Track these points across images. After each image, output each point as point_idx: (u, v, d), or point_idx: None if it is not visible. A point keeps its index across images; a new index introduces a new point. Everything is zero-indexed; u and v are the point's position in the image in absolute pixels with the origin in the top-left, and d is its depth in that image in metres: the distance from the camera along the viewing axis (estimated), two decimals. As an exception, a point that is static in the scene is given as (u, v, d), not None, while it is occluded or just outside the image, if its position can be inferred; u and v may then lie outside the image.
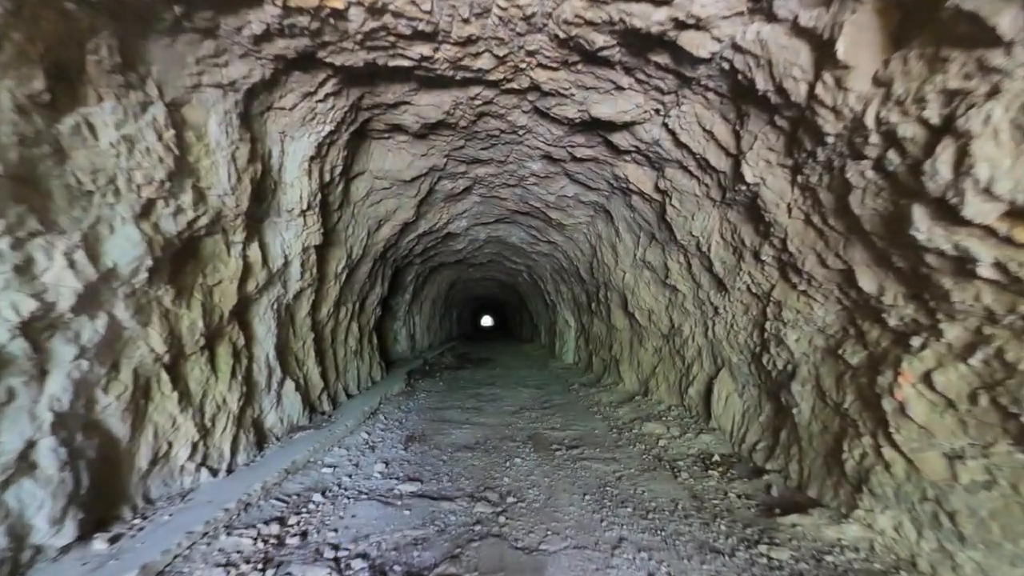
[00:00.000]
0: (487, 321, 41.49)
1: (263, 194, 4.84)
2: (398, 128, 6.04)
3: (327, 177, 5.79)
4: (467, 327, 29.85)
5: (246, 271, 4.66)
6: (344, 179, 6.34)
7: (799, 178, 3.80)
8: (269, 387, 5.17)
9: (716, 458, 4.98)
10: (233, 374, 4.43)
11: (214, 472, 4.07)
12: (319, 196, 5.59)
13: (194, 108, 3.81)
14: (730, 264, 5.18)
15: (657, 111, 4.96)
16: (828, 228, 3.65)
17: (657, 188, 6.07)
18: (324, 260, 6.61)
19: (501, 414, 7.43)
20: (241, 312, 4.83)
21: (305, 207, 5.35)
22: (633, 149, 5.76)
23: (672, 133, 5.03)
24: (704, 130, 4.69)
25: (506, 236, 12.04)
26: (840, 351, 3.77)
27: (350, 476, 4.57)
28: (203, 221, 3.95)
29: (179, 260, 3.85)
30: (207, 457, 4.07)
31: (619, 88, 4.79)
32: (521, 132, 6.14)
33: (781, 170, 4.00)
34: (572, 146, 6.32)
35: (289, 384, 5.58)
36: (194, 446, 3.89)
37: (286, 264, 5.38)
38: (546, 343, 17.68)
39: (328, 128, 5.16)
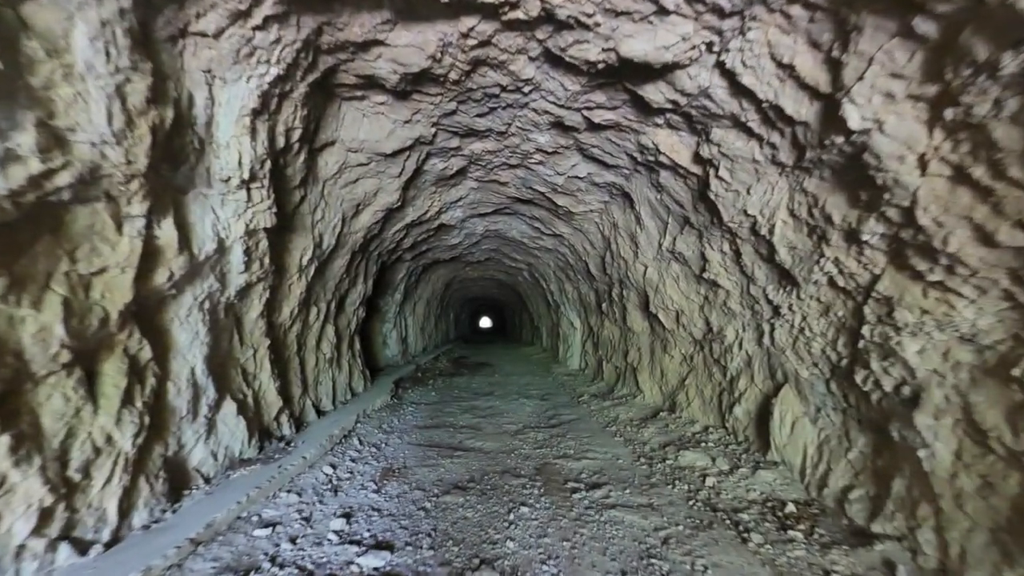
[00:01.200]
0: (485, 323, 40.16)
1: (180, 154, 3.51)
2: (372, 83, 4.73)
3: (281, 142, 4.47)
4: (464, 329, 28.53)
5: (152, 257, 3.33)
6: (307, 148, 5.02)
7: (949, 114, 2.50)
8: (195, 412, 3.84)
9: (791, 508, 3.66)
10: (127, 400, 3.10)
11: (85, 547, 2.74)
12: (269, 165, 4.27)
13: (43, 6, 2.49)
14: (803, 249, 3.88)
15: (710, 46, 3.65)
16: (1007, 185, 2.35)
17: (697, 158, 4.77)
18: (282, 249, 5.29)
19: (501, 435, 6.10)
20: (147, 314, 3.50)
21: (247, 177, 4.02)
22: (669, 107, 4.45)
23: (729, 75, 3.72)
24: (779, 65, 3.38)
25: (506, 230, 10.73)
26: (1015, 371, 2.46)
27: (294, 542, 3.23)
28: (63, 179, 2.62)
29: (16, 236, 2.53)
30: (72, 526, 2.74)
31: (661, 12, 3.47)
32: (527, 89, 4.83)
33: (912, 105, 2.69)
34: (589, 107, 5.01)
35: (229, 406, 4.25)
36: (44, 513, 2.56)
37: (222, 250, 4.05)
38: (548, 346, 16.36)
39: (275, 71, 3.84)
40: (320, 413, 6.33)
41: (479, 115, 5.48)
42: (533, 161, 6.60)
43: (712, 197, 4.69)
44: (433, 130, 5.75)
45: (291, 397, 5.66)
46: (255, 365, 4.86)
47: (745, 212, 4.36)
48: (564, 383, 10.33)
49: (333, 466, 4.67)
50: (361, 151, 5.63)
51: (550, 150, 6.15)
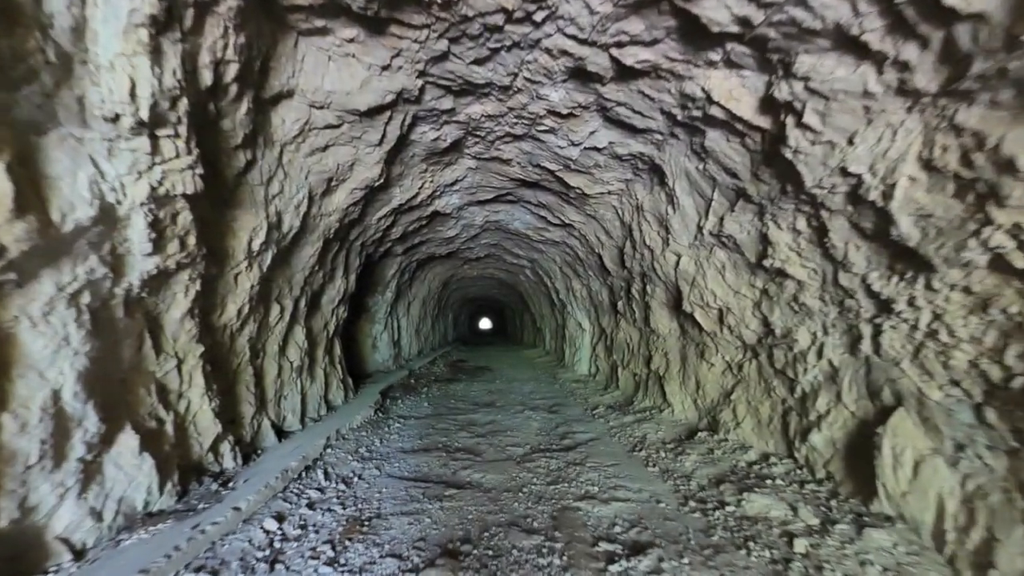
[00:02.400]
0: (485, 324, 38.90)
1: (16, 66, 2.27)
2: (336, 6, 3.48)
3: (207, 78, 3.22)
4: (464, 330, 27.28)
5: (-42, 220, 2.09)
6: (252, 96, 3.76)
7: None
8: (58, 456, 2.58)
9: (944, 602, 2.42)
10: None
11: None
12: (187, 107, 3.02)
13: None
14: (945, 218, 2.63)
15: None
16: None
17: (766, 105, 3.52)
18: (222, 228, 4.03)
19: (505, 462, 4.85)
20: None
21: (149, 118, 2.77)
22: (735, 30, 3.21)
23: (845, -42, 2.49)
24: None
25: (508, 220, 9.48)
26: None
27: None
28: None
29: None
30: None
31: None
32: (539, 17, 3.58)
33: None
34: (620, 43, 3.76)
35: (126, 441, 2.98)
36: None
37: (111, 220, 2.80)
38: (552, 349, 15.10)
39: (182, -40, 2.60)
40: (283, 435, 5.07)
41: (477, 61, 4.23)
42: (543, 128, 5.35)
43: (788, 156, 3.44)
44: (419, 82, 4.50)
45: (239, 418, 4.40)
46: (180, 380, 3.59)
47: (843, 171, 3.11)
48: (573, 391, 9.07)
49: (279, 517, 3.40)
50: (328, 107, 4.38)
51: (564, 111, 4.90)
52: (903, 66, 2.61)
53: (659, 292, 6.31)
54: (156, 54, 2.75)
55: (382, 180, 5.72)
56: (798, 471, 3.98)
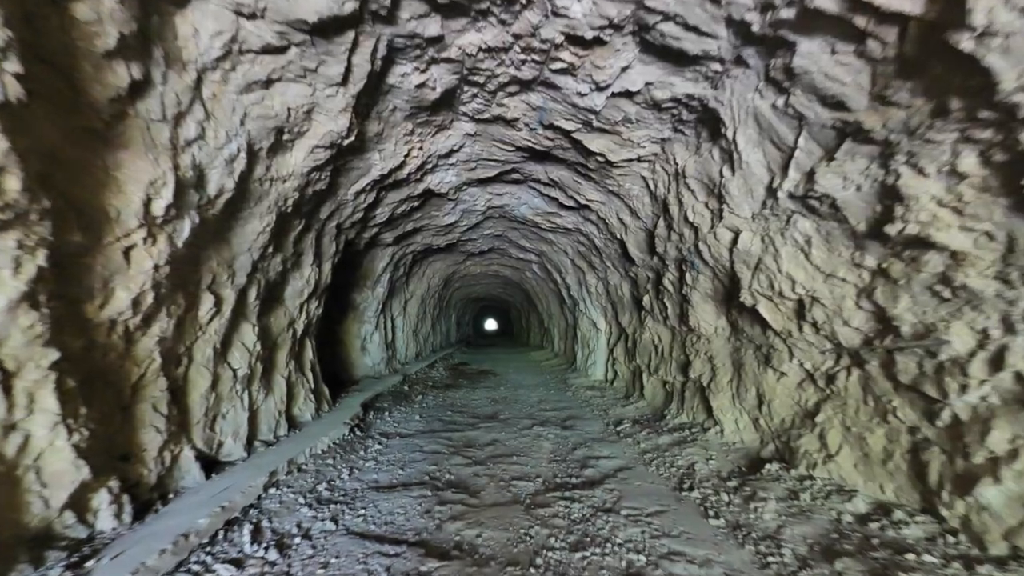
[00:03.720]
0: (490, 325, 37.59)
1: None
2: None
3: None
4: (467, 331, 25.98)
5: None
6: (132, -23, 2.47)
7: None
8: None
9: None
10: None
11: None
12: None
13: None
14: None
15: None
16: None
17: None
18: (94, 175, 2.71)
19: (509, 509, 3.49)
20: None
21: None
22: None
23: None
24: None
25: (513, 206, 8.16)
26: None
27: None
28: None
29: None
30: None
31: None
32: None
33: None
34: None
35: None
36: None
37: None
38: (561, 351, 13.75)
39: None
40: (216, 468, 3.75)
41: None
42: (558, 67, 4.01)
43: (966, 46, 2.08)
44: (391, -17, 3.19)
45: (138, 452, 3.07)
46: (8, 404, 2.29)
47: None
48: (589, 400, 7.71)
49: (147, 629, 2.09)
50: (262, 16, 3.06)
51: (589, 35, 3.55)
52: None
53: (703, 282, 4.94)
54: None
55: (353, 138, 4.40)
56: (951, 538, 2.60)
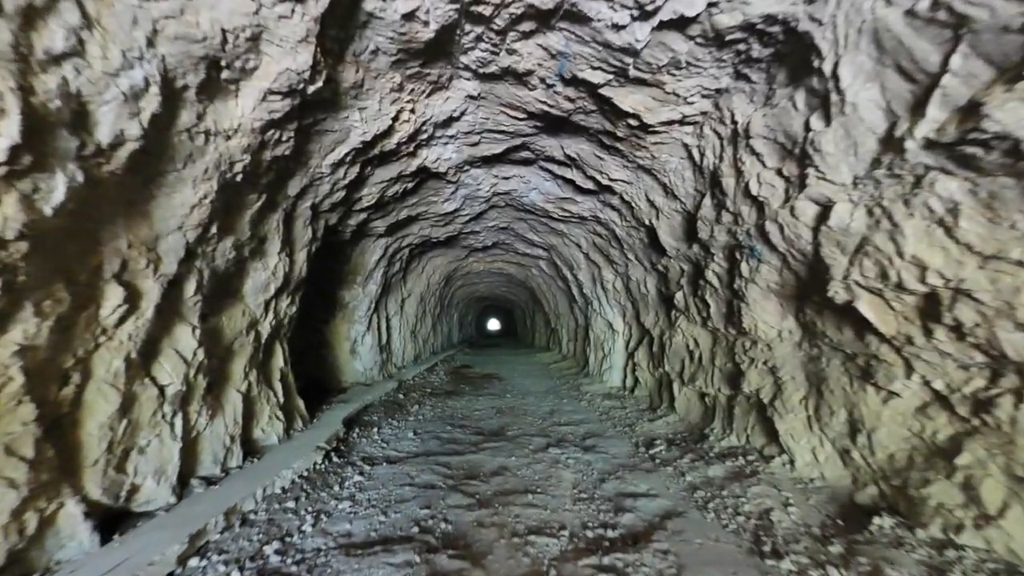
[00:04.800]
0: (494, 324, 36.53)
1: None
2: None
3: None
4: (470, 332, 24.94)
5: None
6: None
7: None
8: None
9: None
10: None
11: None
12: None
13: None
14: None
15: None
16: None
17: None
18: None
19: (530, 586, 2.45)
20: None
21: None
22: None
23: None
24: None
25: (522, 191, 7.10)
26: None
27: None
28: None
29: None
30: None
31: None
32: None
33: None
34: None
35: None
36: None
37: None
38: (570, 353, 12.67)
39: None
40: (121, 522, 2.70)
41: None
42: (591, -16, 2.95)
43: None
44: None
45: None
46: None
47: None
48: (608, 412, 6.63)
49: None
50: None
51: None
52: None
53: (765, 273, 3.86)
54: None
55: (321, 84, 3.34)
56: None
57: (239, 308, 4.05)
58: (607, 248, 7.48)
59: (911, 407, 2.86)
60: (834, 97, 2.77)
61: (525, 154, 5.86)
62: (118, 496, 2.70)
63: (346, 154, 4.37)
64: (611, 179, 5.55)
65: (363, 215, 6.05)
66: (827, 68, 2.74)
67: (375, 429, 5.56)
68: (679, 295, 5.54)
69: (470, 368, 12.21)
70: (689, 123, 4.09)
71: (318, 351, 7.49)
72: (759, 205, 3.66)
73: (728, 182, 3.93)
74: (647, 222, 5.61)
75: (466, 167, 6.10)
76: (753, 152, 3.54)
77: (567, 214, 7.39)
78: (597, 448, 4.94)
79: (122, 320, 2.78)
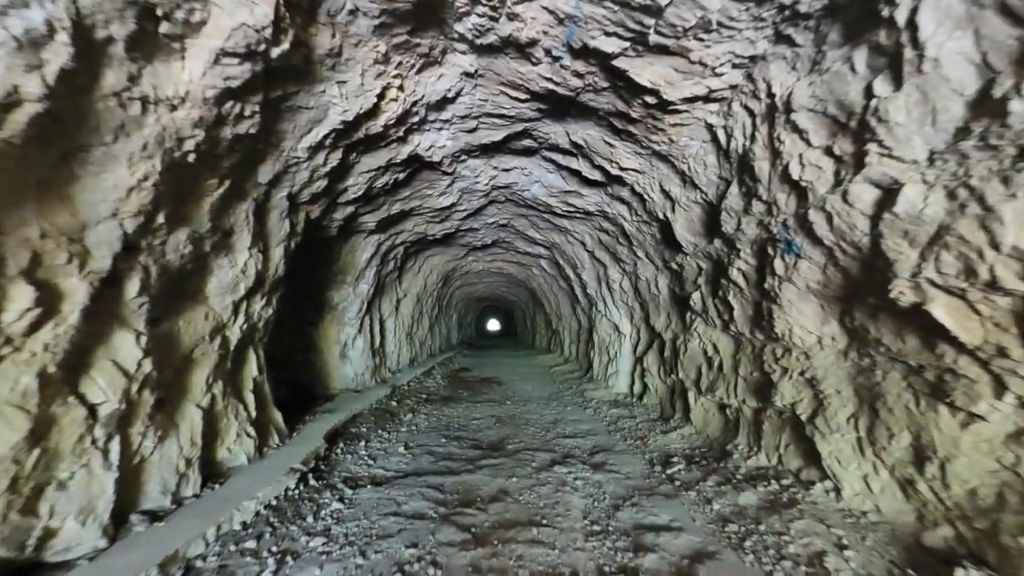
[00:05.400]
0: (493, 325, 36.00)
1: None
2: None
3: None
4: (469, 332, 24.43)
5: None
6: None
7: None
8: None
9: None
10: None
11: None
12: None
13: None
14: None
15: None
16: None
17: None
18: None
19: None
20: None
21: None
22: None
23: None
24: None
25: (523, 185, 6.57)
26: None
27: None
28: None
29: None
30: None
31: None
32: None
33: None
34: None
35: None
36: None
37: None
38: (572, 355, 12.14)
39: None
40: (31, 575, 2.18)
41: None
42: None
43: None
44: None
45: None
46: None
47: None
48: (616, 422, 6.09)
49: None
50: None
51: None
52: None
53: (805, 270, 3.32)
54: None
55: (288, 47, 2.80)
56: None
57: (201, 311, 3.52)
58: (614, 245, 6.95)
59: (1002, 434, 2.32)
60: (908, 53, 2.23)
61: (527, 142, 5.33)
62: (23, 546, 2.16)
63: (325, 136, 3.83)
64: (621, 168, 5.01)
65: (350, 208, 5.52)
66: (900, 16, 2.21)
67: (362, 443, 5.02)
68: (696, 296, 5.00)
69: (469, 371, 11.68)
70: (715, 99, 3.56)
71: (305, 355, 6.96)
72: (800, 191, 3.13)
73: (761, 166, 3.39)
74: (661, 215, 5.07)
75: (463, 157, 5.57)
76: (795, 129, 3.00)
77: (571, 209, 6.86)
78: (607, 466, 4.40)
79: (34, 327, 2.24)
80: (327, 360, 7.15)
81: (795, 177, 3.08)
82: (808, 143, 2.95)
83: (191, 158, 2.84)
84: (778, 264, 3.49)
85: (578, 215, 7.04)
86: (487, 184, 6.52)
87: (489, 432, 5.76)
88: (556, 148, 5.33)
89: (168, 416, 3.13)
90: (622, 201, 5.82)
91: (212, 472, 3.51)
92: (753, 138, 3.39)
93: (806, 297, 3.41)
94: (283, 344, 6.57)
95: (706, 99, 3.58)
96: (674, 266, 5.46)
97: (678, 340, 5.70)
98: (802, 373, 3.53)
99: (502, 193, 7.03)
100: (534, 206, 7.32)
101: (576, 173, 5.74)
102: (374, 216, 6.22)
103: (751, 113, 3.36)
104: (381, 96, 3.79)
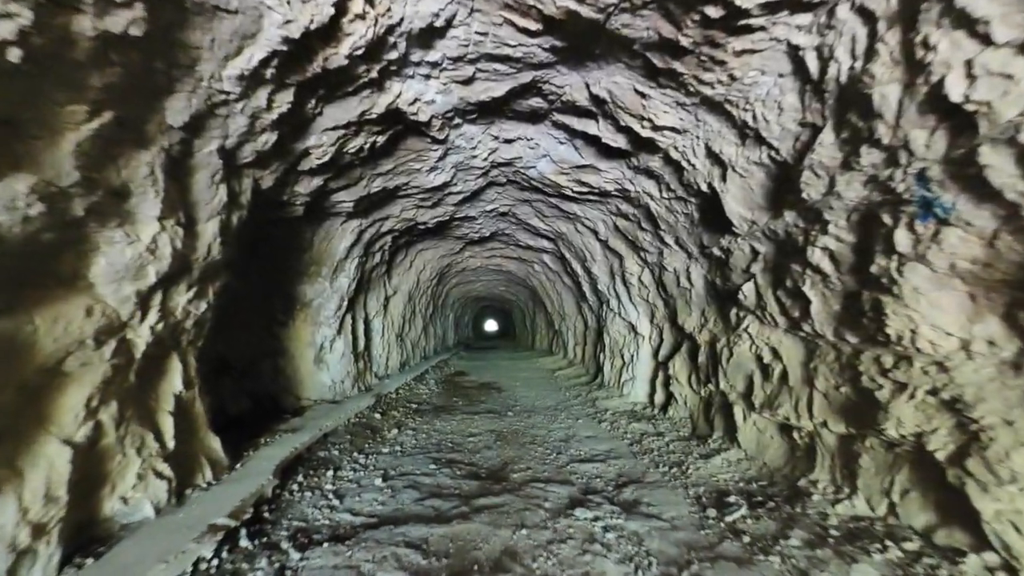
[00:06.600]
0: (491, 325, 34.89)
1: None
2: None
3: None
4: (466, 333, 23.32)
5: None
6: None
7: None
8: None
9: None
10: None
11: None
12: None
13: None
14: None
15: None
16: None
17: None
18: None
19: None
20: None
21: None
22: None
23: None
24: None
25: (528, 159, 5.49)
26: None
27: None
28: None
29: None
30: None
31: None
32: None
33: None
34: None
35: None
36: None
37: None
38: (577, 358, 11.05)
39: None
40: None
41: None
42: None
43: None
44: None
45: None
46: None
47: None
48: (641, 440, 4.99)
49: None
50: None
51: None
52: None
53: (954, 242, 2.22)
54: None
55: None
56: None
57: (78, 303, 2.40)
58: (634, 232, 5.86)
59: None
60: None
61: (535, 101, 4.25)
62: None
63: (263, 61, 2.72)
64: (655, 127, 3.93)
65: (317, 181, 4.41)
66: None
67: (330, 472, 3.91)
68: (747, 288, 3.92)
69: (465, 376, 10.57)
70: (811, 4, 2.47)
71: (274, 361, 5.84)
72: (961, 121, 2.05)
73: (884, 93, 2.31)
74: (704, 187, 3.99)
75: (456, 120, 4.48)
76: (960, 21, 1.92)
77: (584, 189, 5.78)
78: (643, 507, 3.31)
79: None
80: (299, 366, 6.03)
81: (955, 98, 2.00)
82: (986, 40, 1.87)
83: (13, 56, 1.73)
84: (901, 236, 2.41)
85: (591, 197, 5.96)
86: (486, 159, 5.44)
87: (489, 454, 4.66)
88: (571, 108, 4.24)
89: (1, 462, 2.02)
90: (649, 175, 4.73)
91: (93, 536, 2.40)
92: (872, 53, 2.31)
93: (946, 283, 2.33)
94: (244, 347, 5.45)
95: (796, 4, 2.49)
96: (716, 252, 4.38)
97: (718, 343, 4.61)
98: (934, 392, 2.45)
99: (503, 172, 5.95)
100: (540, 187, 6.24)
101: (594, 141, 4.66)
102: (350, 194, 5.11)
103: (870, 17, 2.29)
104: (341, 9, 2.69)
